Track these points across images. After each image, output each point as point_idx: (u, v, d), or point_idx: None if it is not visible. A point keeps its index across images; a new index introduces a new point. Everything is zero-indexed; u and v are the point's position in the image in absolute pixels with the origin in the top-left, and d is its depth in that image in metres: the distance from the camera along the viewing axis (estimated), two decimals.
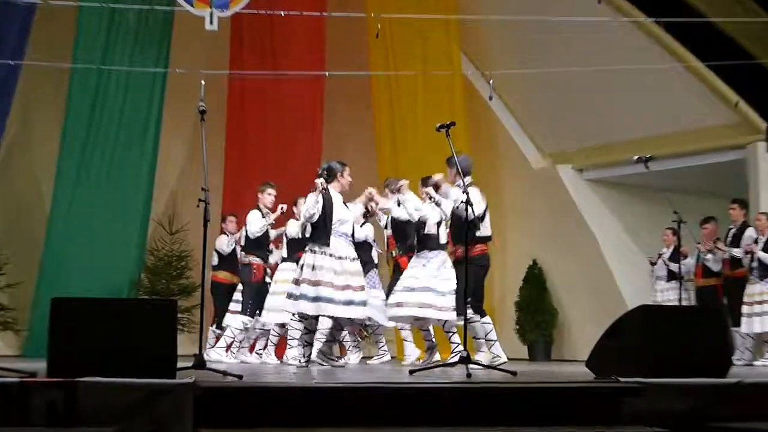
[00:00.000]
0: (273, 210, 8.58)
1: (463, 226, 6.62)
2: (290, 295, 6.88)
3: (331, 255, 6.75)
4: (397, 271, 8.26)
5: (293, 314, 7.07)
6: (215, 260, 9.49)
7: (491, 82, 10.02)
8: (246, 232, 8.58)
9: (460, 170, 6.37)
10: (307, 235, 6.84)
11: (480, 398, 4.18)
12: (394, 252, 8.35)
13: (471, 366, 5.40)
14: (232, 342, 8.62)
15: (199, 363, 4.90)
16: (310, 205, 6.68)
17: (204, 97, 5.83)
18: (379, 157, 11.68)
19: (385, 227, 8.51)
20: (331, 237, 6.80)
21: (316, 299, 6.69)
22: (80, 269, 10.13)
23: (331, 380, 4.88)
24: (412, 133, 11.42)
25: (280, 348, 8.68)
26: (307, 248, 6.84)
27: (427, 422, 3.95)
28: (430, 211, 7.36)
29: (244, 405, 3.84)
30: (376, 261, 8.76)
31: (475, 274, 6.91)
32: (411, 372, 5.52)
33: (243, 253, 8.79)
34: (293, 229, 8.23)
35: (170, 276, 11.06)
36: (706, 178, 10.59)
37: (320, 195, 6.76)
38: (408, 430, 3.83)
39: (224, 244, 9.42)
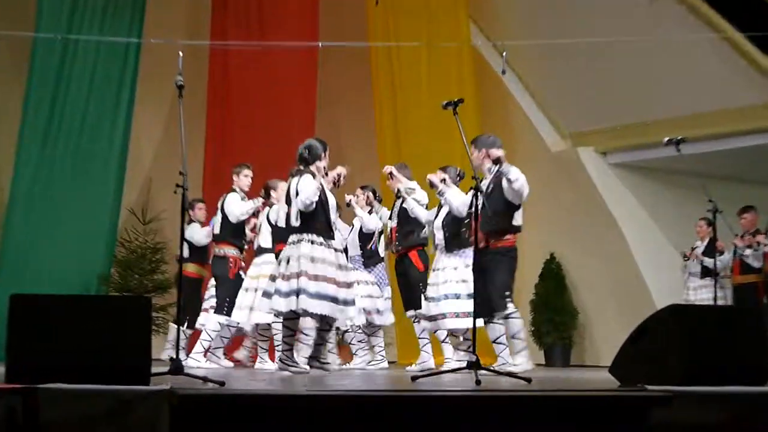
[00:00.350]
0: (249, 194, 8.58)
1: (497, 213, 6.70)
2: (280, 292, 6.81)
3: (330, 247, 6.76)
4: (404, 267, 8.26)
5: (278, 315, 7.04)
6: (185, 252, 9.45)
7: (504, 54, 9.99)
8: (222, 218, 8.54)
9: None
10: (296, 224, 6.80)
11: (490, 408, 4.18)
12: (398, 244, 8.35)
13: (480, 372, 5.40)
14: (210, 345, 8.61)
15: (176, 368, 4.90)
16: (311, 192, 6.65)
17: (182, 71, 5.82)
18: (378, 139, 11.68)
19: (390, 218, 8.52)
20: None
21: (319, 296, 6.65)
22: (43, 262, 10.13)
23: (324, 388, 4.89)
24: (416, 111, 11.42)
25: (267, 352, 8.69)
26: (300, 238, 6.78)
27: None
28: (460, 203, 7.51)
29: (226, 415, 3.84)
30: (382, 254, 8.81)
31: (513, 267, 6.95)
32: (413, 379, 5.53)
33: (215, 243, 8.71)
34: (277, 213, 8.17)
35: (144, 270, 11.06)
36: (745, 163, 10.58)
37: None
38: None
39: (202, 234, 9.40)
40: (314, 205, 6.70)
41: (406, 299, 8.33)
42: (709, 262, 9.84)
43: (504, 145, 12.14)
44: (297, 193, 6.77)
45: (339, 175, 6.99)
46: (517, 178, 6.65)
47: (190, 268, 9.40)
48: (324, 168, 6.83)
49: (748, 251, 9.59)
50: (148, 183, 11.61)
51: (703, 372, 4.55)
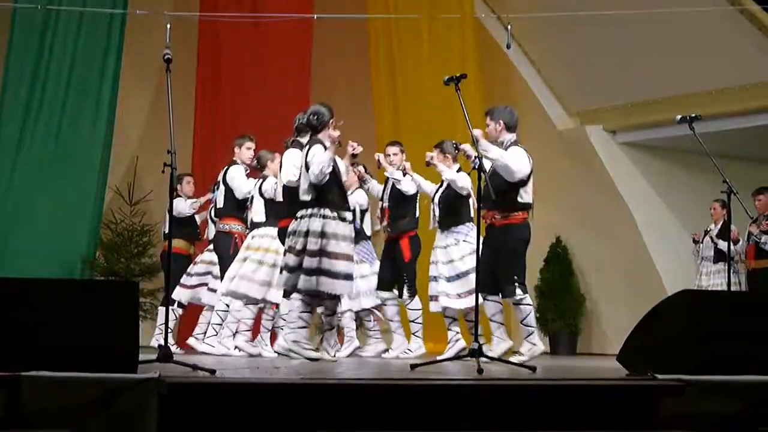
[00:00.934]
0: (250, 166, 8.58)
1: (500, 191, 6.66)
2: (293, 269, 6.75)
3: (344, 220, 6.73)
4: (394, 252, 8.32)
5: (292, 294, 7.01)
6: (168, 226, 9.48)
7: (509, 27, 9.97)
8: (225, 191, 8.51)
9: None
10: (307, 197, 6.75)
11: (493, 398, 4.20)
12: (390, 228, 8.40)
13: (483, 360, 5.42)
14: (238, 327, 8.47)
15: (165, 355, 4.91)
16: (325, 163, 6.61)
17: (170, 44, 5.81)
18: (377, 116, 11.65)
19: (381, 198, 8.55)
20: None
21: (331, 274, 6.63)
22: (24, 245, 10.12)
23: (320, 376, 4.90)
24: (416, 87, 11.39)
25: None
26: (311, 213, 6.76)
27: (431, 425, 3.96)
28: (465, 181, 7.69)
29: (217, 404, 3.85)
30: (369, 233, 8.84)
31: (515, 245, 6.92)
32: (412, 367, 5.55)
33: (218, 219, 8.69)
34: (270, 186, 8.14)
35: (130, 254, 11.05)
36: (761, 142, 10.58)
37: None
38: None
39: (185, 206, 9.42)
40: (327, 177, 6.66)
41: (387, 281, 8.44)
42: (723, 245, 9.84)
43: None
44: (307, 166, 6.70)
45: (355, 147, 6.91)
46: (496, 157, 6.67)
47: (176, 243, 9.44)
48: (338, 138, 6.75)
49: (764, 238, 9.59)
50: (134, 162, 11.59)
51: (715, 360, 4.57)
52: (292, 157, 7.37)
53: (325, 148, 6.69)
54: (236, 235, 8.52)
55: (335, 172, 6.70)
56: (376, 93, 11.71)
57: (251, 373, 5.31)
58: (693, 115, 7.22)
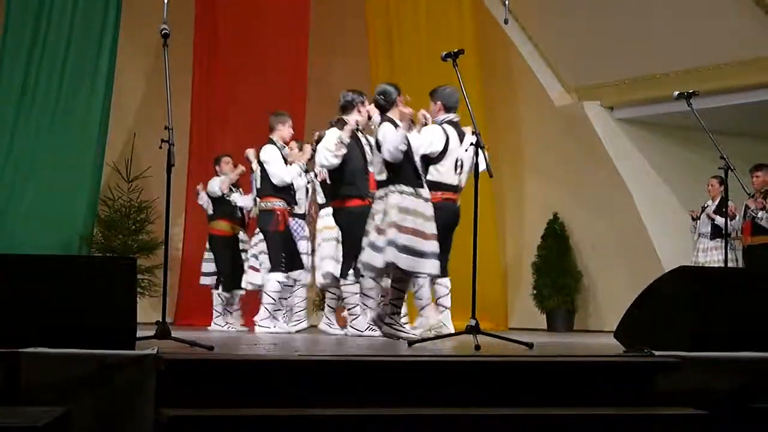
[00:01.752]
0: (288, 143, 8.56)
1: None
2: (375, 246, 6.67)
3: (420, 196, 6.67)
4: None
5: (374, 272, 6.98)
6: (210, 209, 9.51)
7: (507, 2, 9.94)
8: (261, 171, 8.48)
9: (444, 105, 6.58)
10: (382, 177, 6.73)
11: (489, 374, 4.21)
12: None
13: (480, 337, 5.43)
14: (275, 307, 8.45)
15: (162, 332, 4.91)
16: (399, 140, 6.58)
17: (167, 18, 5.77)
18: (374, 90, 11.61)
19: None
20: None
21: (406, 250, 6.52)
22: (21, 222, 10.11)
23: (317, 353, 4.91)
24: (413, 62, 11.37)
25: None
26: (387, 191, 6.65)
27: (428, 401, 3.98)
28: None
29: (215, 381, 3.86)
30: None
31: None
32: (410, 344, 5.56)
33: (258, 198, 8.66)
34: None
35: (128, 230, 11.05)
36: (759, 118, 10.57)
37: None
38: (406, 411, 3.86)
39: (215, 184, 9.42)
40: (402, 155, 6.63)
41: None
42: (720, 221, 9.84)
43: (506, 98, 12.19)
44: (378, 145, 6.67)
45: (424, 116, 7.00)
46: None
47: (219, 226, 9.45)
48: (411, 114, 6.75)
49: (761, 214, 9.59)
50: (132, 138, 11.56)
51: (712, 337, 4.58)
52: (327, 140, 7.44)
53: (396, 127, 6.67)
54: (278, 212, 8.44)
55: (408, 149, 6.68)
56: (374, 67, 11.67)
57: (248, 349, 5.32)
58: (691, 91, 7.21)
